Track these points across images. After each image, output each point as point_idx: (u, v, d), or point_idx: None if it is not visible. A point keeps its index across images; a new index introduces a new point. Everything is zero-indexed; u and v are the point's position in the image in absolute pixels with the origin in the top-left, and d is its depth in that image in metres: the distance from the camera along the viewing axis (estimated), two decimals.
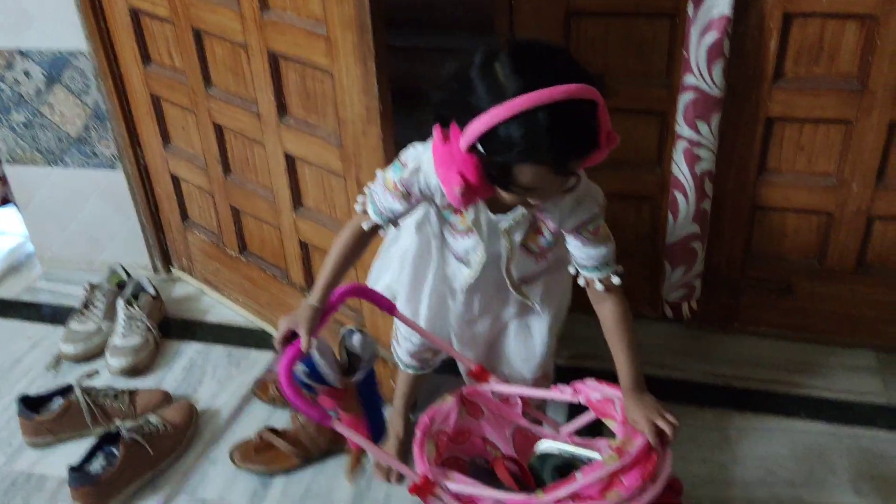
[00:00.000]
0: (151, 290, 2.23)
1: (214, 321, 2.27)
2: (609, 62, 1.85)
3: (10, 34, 2.11)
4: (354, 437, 1.27)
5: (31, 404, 1.87)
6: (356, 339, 1.37)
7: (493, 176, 1.11)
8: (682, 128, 1.81)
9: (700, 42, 1.69)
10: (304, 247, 1.94)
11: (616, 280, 1.31)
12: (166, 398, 1.95)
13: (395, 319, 1.53)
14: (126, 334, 2.10)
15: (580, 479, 1.17)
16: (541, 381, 1.60)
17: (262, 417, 1.93)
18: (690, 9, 1.68)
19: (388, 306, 1.40)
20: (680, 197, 1.89)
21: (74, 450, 1.81)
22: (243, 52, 1.75)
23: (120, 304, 2.15)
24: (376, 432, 1.45)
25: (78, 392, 1.87)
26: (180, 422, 1.86)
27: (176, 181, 2.23)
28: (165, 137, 2.17)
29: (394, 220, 1.33)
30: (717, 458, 1.78)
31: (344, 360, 1.38)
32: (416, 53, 2.15)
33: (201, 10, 1.79)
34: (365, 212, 1.33)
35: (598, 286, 1.30)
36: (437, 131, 1.13)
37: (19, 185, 2.39)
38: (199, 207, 2.23)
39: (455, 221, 1.34)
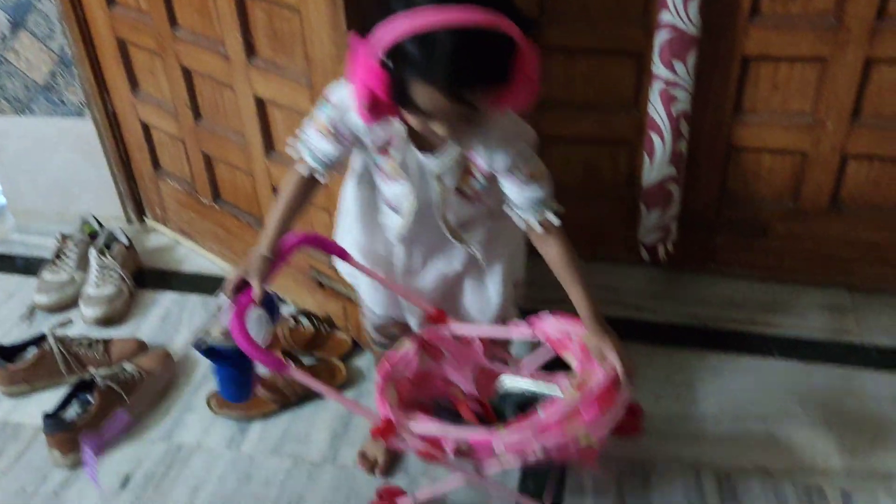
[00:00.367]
0: (124, 240, 2.20)
1: (190, 270, 2.26)
2: (586, 1, 1.82)
3: None
4: (312, 384, 1.25)
5: (5, 354, 1.86)
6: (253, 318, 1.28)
7: (394, 92, 1.09)
8: (659, 68, 1.79)
9: None
10: (275, 192, 1.92)
11: (555, 220, 1.27)
12: (141, 347, 1.94)
13: (360, 296, 1.55)
14: (99, 284, 2.08)
15: (541, 415, 1.19)
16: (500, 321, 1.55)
17: None
18: None
19: (339, 252, 1.38)
20: (656, 139, 1.88)
21: (50, 398, 1.80)
22: None
23: (92, 253, 2.12)
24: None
25: (51, 340, 1.85)
26: (156, 369, 1.85)
27: (146, 128, 2.19)
28: (133, 83, 2.12)
29: (332, 165, 1.29)
30: (691, 395, 1.80)
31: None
32: None
33: None
34: (301, 157, 1.29)
35: (537, 228, 1.27)
36: (352, 39, 1.09)
37: None
38: (170, 155, 2.20)
39: (384, 165, 1.29)
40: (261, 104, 1.78)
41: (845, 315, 2.00)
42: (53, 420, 1.68)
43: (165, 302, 2.14)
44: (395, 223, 1.37)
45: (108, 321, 2.05)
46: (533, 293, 1.58)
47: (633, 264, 2.15)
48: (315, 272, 1.91)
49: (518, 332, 1.39)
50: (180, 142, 2.10)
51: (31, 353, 1.86)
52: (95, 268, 2.10)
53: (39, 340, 1.88)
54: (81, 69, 2.13)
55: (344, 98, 1.21)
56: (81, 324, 2.05)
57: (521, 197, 1.26)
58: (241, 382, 1.46)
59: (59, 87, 2.19)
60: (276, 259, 1.28)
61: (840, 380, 1.82)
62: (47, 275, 2.14)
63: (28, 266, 2.28)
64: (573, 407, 1.19)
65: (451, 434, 1.24)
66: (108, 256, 2.13)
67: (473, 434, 1.24)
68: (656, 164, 1.90)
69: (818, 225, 1.99)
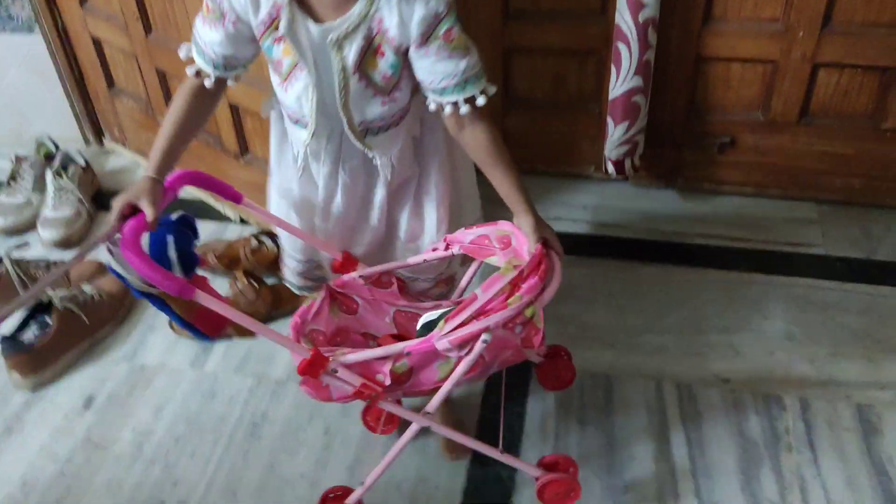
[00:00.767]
0: (81, 161, 2.15)
1: None
2: None
3: None
4: (220, 308, 1.07)
5: None
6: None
7: None
8: None
9: None
10: (234, 110, 1.86)
11: (482, 100, 1.12)
12: (101, 269, 1.91)
13: (280, 241, 1.44)
14: (56, 206, 2.04)
15: (481, 296, 1.07)
16: (443, 283, 1.42)
17: None
18: None
19: (232, 195, 1.24)
20: (623, 48, 1.82)
21: (7, 321, 1.78)
22: None
23: (48, 175, 2.07)
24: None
25: (7, 263, 1.82)
26: (117, 291, 1.83)
27: (97, 44, 2.11)
28: None
29: (224, 65, 1.15)
30: (655, 308, 1.80)
31: None
32: None
33: None
34: (192, 59, 1.16)
35: (463, 108, 1.11)
36: None
37: None
38: (124, 72, 2.12)
39: (279, 55, 1.13)
40: None
41: (811, 228, 1.99)
42: (11, 342, 1.66)
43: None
44: (300, 139, 1.22)
45: (66, 244, 2.01)
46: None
47: (600, 180, 2.12)
48: None
49: (433, 254, 1.29)
50: (133, 57, 2.03)
51: None
52: (52, 190, 2.05)
53: None
54: None
55: None
56: (39, 247, 2.01)
57: (441, 73, 1.09)
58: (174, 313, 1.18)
59: (6, 0, 2.09)
60: (167, 191, 1.13)
61: (804, 291, 1.83)
62: (3, 197, 2.09)
63: None
64: (512, 279, 1.08)
65: (385, 352, 1.10)
66: (65, 178, 2.08)
67: (413, 343, 1.11)
68: (622, 75, 1.85)
69: (787, 137, 1.96)
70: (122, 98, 2.18)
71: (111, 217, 1.09)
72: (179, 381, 1.69)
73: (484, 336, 1.07)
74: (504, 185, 1.18)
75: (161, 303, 1.12)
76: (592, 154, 2.08)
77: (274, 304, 1.81)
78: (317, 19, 1.09)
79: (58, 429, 1.60)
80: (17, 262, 1.83)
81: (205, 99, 1.19)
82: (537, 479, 1.35)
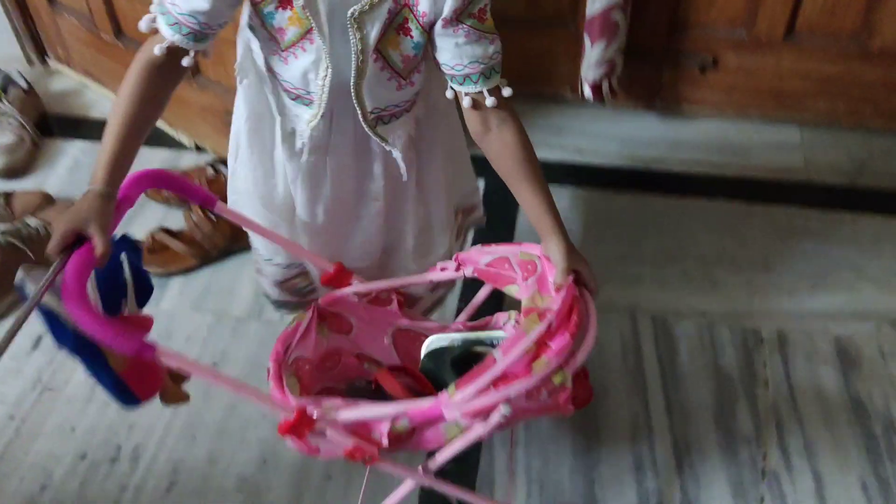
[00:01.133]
0: (23, 83, 2.00)
1: (99, 117, 2.07)
2: None
3: None
4: (185, 365, 0.89)
5: None
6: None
7: None
8: None
9: None
10: None
11: (508, 91, 0.98)
12: (47, 200, 1.79)
13: (253, 248, 1.26)
14: None
15: (500, 360, 0.87)
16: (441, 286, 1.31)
17: (155, 218, 1.79)
18: None
19: (203, 198, 1.02)
20: None
21: None
22: None
23: None
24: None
25: None
26: None
27: None
28: None
29: (200, 33, 0.92)
30: (631, 237, 1.74)
31: None
32: None
33: None
34: (155, 29, 0.93)
35: (489, 100, 0.97)
36: None
37: None
38: None
39: (282, 22, 0.94)
40: None
41: (794, 153, 1.92)
42: None
43: (74, 151, 1.97)
44: (303, 118, 1.03)
45: (9, 173, 1.89)
46: None
47: (576, 104, 2.02)
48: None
49: (441, 274, 1.11)
50: None
51: None
52: None
53: None
54: None
55: None
56: None
57: (466, 57, 0.95)
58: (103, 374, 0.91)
59: None
60: (120, 205, 0.91)
61: (784, 218, 1.77)
62: None
63: None
64: (537, 337, 0.88)
65: (384, 412, 0.92)
66: (5, 102, 1.94)
67: (415, 406, 0.92)
68: None
69: (771, 57, 1.87)
70: (63, 14, 2.02)
71: (51, 246, 0.85)
72: None
73: (503, 409, 0.88)
74: (533, 202, 1.00)
75: (94, 353, 0.88)
76: (569, 74, 1.98)
77: (233, 237, 1.71)
78: None
79: (6, 370, 1.52)
80: None
81: (169, 80, 0.96)
82: None
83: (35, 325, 1.08)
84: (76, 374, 1.50)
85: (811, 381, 1.48)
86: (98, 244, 0.84)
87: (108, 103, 2.09)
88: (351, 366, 1.12)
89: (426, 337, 1.11)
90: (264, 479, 1.37)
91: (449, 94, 1.00)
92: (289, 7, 0.92)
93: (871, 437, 1.40)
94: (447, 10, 0.92)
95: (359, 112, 1.01)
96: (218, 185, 1.78)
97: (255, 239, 1.25)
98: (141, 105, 0.93)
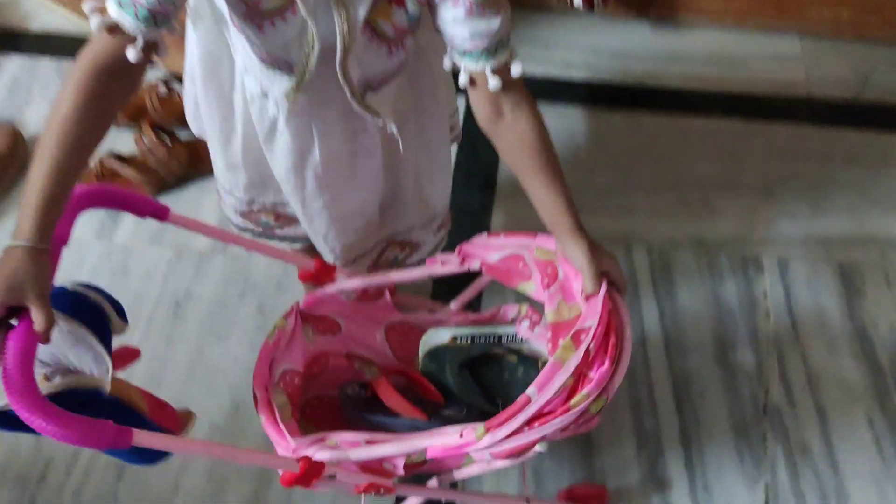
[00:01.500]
0: None
1: (39, 29, 1.89)
2: None
3: None
4: (167, 444, 0.77)
5: None
6: None
7: None
8: None
9: None
10: None
11: (517, 69, 0.85)
12: None
13: (215, 175, 1.12)
14: None
15: (536, 398, 0.79)
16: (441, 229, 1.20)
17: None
18: None
19: (154, 210, 0.90)
20: None
21: None
22: None
23: None
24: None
25: None
26: (3, 149, 1.57)
27: None
28: None
29: (156, 16, 0.76)
30: (626, 162, 1.63)
31: None
32: None
33: None
34: (102, 9, 0.76)
35: (492, 82, 0.84)
36: None
37: None
38: None
39: None
40: None
41: (794, 66, 1.80)
42: None
43: (11, 68, 1.80)
44: (281, 85, 0.89)
45: None
46: None
47: (563, 12, 1.88)
48: None
49: (442, 268, 0.99)
50: None
51: None
52: None
53: None
54: None
55: None
56: None
57: (470, 31, 0.82)
58: None
59: None
60: (55, 244, 0.76)
61: (784, 139, 1.67)
62: None
63: None
64: (576, 370, 0.80)
65: (406, 449, 0.84)
66: None
67: (437, 443, 0.82)
68: None
69: None
70: None
71: None
72: (85, 254, 1.48)
73: (539, 448, 0.81)
74: (548, 199, 0.88)
75: (121, 407, 0.79)
76: None
77: (191, 162, 1.57)
78: None
79: None
80: None
81: (121, 88, 0.79)
82: None
83: None
84: None
85: (814, 311, 1.41)
86: (38, 318, 0.69)
87: (49, 15, 1.89)
88: (340, 368, 1.02)
89: (422, 330, 1.00)
90: (238, 426, 1.28)
91: (447, 64, 0.87)
92: None
93: (877, 369, 1.34)
94: None
95: (346, 90, 0.88)
96: (171, 105, 1.63)
97: (217, 166, 1.12)
98: (84, 124, 0.75)
